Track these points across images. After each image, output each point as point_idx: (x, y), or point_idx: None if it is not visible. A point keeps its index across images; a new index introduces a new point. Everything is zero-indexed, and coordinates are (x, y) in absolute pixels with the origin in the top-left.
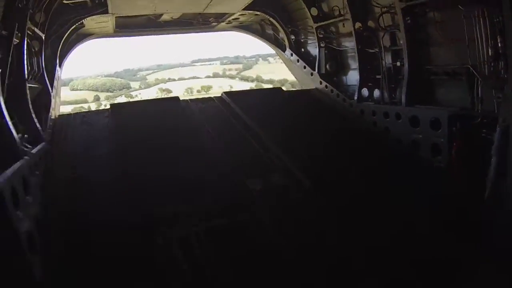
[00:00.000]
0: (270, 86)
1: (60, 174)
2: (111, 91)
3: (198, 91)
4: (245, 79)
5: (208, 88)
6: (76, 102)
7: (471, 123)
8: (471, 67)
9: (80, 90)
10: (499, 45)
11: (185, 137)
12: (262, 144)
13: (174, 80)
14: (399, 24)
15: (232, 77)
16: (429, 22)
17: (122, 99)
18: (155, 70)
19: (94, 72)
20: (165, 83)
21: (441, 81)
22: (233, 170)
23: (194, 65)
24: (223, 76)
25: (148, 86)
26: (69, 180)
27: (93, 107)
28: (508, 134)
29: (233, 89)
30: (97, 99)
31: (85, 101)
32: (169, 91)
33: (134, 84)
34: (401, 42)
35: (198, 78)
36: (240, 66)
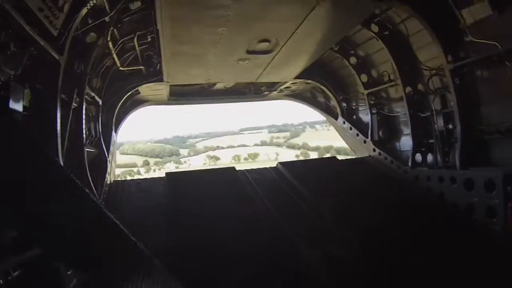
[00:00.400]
0: (315, 153)
1: None
2: (160, 157)
3: (245, 159)
4: (292, 146)
5: (255, 155)
6: (125, 166)
7: None
8: None
9: (130, 154)
10: None
11: (242, 209)
12: (318, 214)
13: (222, 148)
14: (448, 86)
15: (279, 145)
16: (478, 81)
17: (171, 165)
18: (204, 138)
19: (144, 137)
20: (213, 150)
21: (495, 140)
22: (289, 241)
23: (242, 134)
24: (270, 144)
25: (197, 153)
26: None
27: (142, 170)
28: None
29: (279, 157)
30: (146, 163)
31: (135, 165)
32: (217, 158)
33: (183, 151)
34: (452, 104)
35: (246, 146)
36: (288, 134)
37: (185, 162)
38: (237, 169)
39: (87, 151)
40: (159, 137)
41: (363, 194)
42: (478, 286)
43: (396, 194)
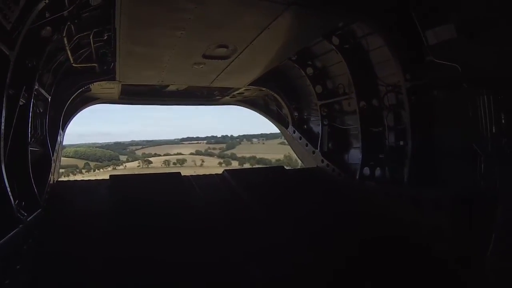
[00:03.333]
0: (237, 162)
1: (53, 245)
2: (100, 161)
3: (174, 163)
4: (222, 156)
5: (183, 161)
6: (67, 167)
7: (474, 202)
8: (474, 144)
9: (72, 157)
10: (503, 121)
11: (185, 215)
12: (262, 224)
13: (159, 155)
14: (403, 103)
15: (212, 155)
16: (434, 101)
17: (109, 168)
18: (145, 146)
19: (86, 141)
20: (150, 157)
21: (445, 160)
22: (232, 253)
23: (182, 143)
24: (205, 154)
25: (135, 159)
26: (61, 252)
27: (83, 171)
28: (509, 212)
29: (204, 163)
30: (87, 165)
31: (77, 167)
32: (150, 162)
33: (123, 157)
34: (405, 121)
35: (182, 154)
36: (224, 145)
37: (122, 165)
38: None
39: (31, 150)
40: (101, 142)
41: (308, 205)
42: None
43: (342, 205)
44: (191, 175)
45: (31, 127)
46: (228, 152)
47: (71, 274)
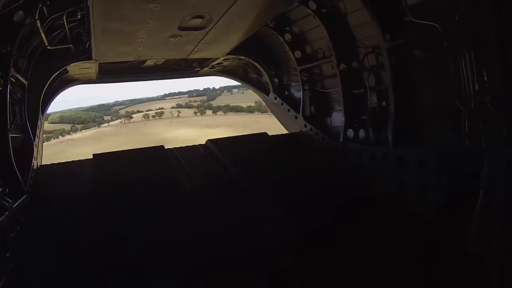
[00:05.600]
0: (211, 111)
1: (41, 230)
2: (85, 123)
3: (153, 116)
4: (198, 107)
5: (161, 113)
6: (55, 131)
7: (460, 160)
8: (458, 102)
9: (58, 123)
10: (485, 79)
11: (170, 190)
12: (248, 195)
13: (142, 112)
14: (384, 64)
15: (191, 107)
16: (414, 61)
17: (95, 128)
18: (128, 105)
19: (70, 107)
20: (134, 114)
21: (428, 119)
22: (218, 225)
23: (165, 99)
24: (185, 107)
25: (119, 118)
26: (49, 238)
27: (71, 133)
28: (495, 168)
29: (180, 114)
30: (73, 127)
31: (63, 131)
32: (131, 117)
33: (107, 117)
34: (386, 81)
35: (163, 109)
36: (205, 98)
37: (106, 123)
38: (166, 147)
39: (12, 136)
40: (85, 106)
41: (293, 171)
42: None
43: (327, 169)
44: (175, 148)
45: (9, 114)
46: (206, 104)
47: (60, 260)
